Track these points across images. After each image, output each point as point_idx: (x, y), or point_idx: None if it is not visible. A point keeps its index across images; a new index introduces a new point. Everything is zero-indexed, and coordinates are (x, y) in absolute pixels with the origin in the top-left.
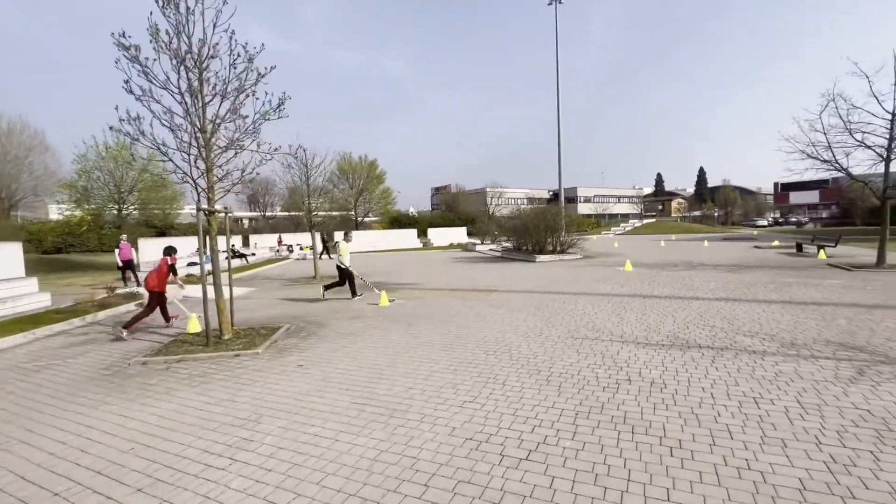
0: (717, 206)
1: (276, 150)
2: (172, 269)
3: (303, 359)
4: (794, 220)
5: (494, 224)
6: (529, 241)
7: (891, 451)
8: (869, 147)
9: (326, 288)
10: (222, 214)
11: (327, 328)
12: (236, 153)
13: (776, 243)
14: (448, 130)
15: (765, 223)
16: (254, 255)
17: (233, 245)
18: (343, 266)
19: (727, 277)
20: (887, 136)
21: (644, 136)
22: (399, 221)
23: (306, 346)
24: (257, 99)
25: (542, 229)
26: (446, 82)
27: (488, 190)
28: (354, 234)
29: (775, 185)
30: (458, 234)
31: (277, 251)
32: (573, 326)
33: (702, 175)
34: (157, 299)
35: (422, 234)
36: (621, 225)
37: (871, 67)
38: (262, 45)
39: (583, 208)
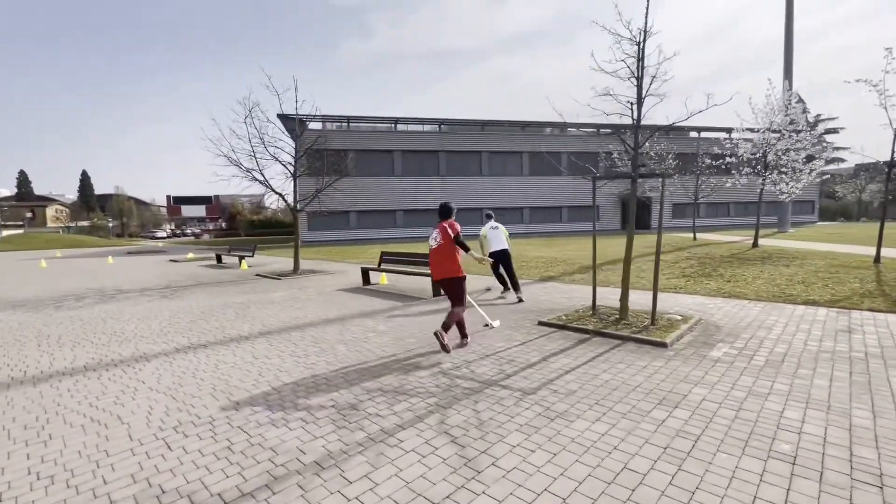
0: (110, 216)
1: None
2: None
3: None
4: (189, 231)
5: None
6: None
7: None
8: (281, 163)
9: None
10: None
11: None
12: None
13: (191, 255)
14: None
15: (164, 235)
16: None
17: None
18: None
19: (169, 308)
20: (293, 155)
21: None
22: None
23: None
24: None
25: None
26: None
27: None
28: None
29: (168, 197)
30: None
31: None
32: None
33: (86, 180)
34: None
35: None
36: None
37: (283, 86)
38: None
39: None
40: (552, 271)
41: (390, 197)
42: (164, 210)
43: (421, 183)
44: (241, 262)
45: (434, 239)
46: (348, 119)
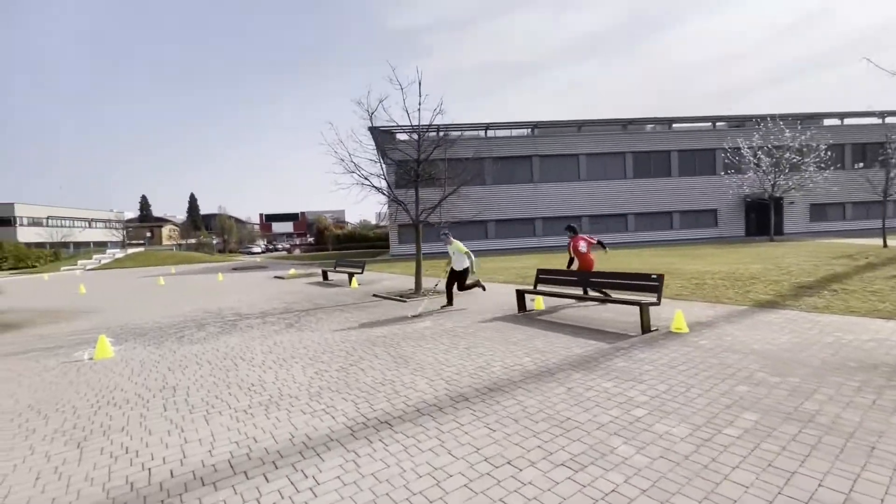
0: (213, 233)
1: None
2: None
3: None
4: (280, 246)
5: None
6: None
7: None
8: (401, 168)
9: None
10: None
11: None
12: None
13: (293, 271)
14: None
15: (258, 250)
16: None
17: None
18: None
19: (303, 343)
20: (415, 161)
21: (128, 155)
22: None
23: None
24: None
25: None
26: None
27: None
28: None
29: (261, 215)
30: None
31: None
32: None
33: (193, 202)
34: None
35: None
36: (95, 257)
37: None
38: None
39: (26, 234)
40: (754, 293)
41: (481, 206)
42: (256, 227)
43: (513, 191)
44: (350, 280)
45: (584, 246)
46: (437, 128)
